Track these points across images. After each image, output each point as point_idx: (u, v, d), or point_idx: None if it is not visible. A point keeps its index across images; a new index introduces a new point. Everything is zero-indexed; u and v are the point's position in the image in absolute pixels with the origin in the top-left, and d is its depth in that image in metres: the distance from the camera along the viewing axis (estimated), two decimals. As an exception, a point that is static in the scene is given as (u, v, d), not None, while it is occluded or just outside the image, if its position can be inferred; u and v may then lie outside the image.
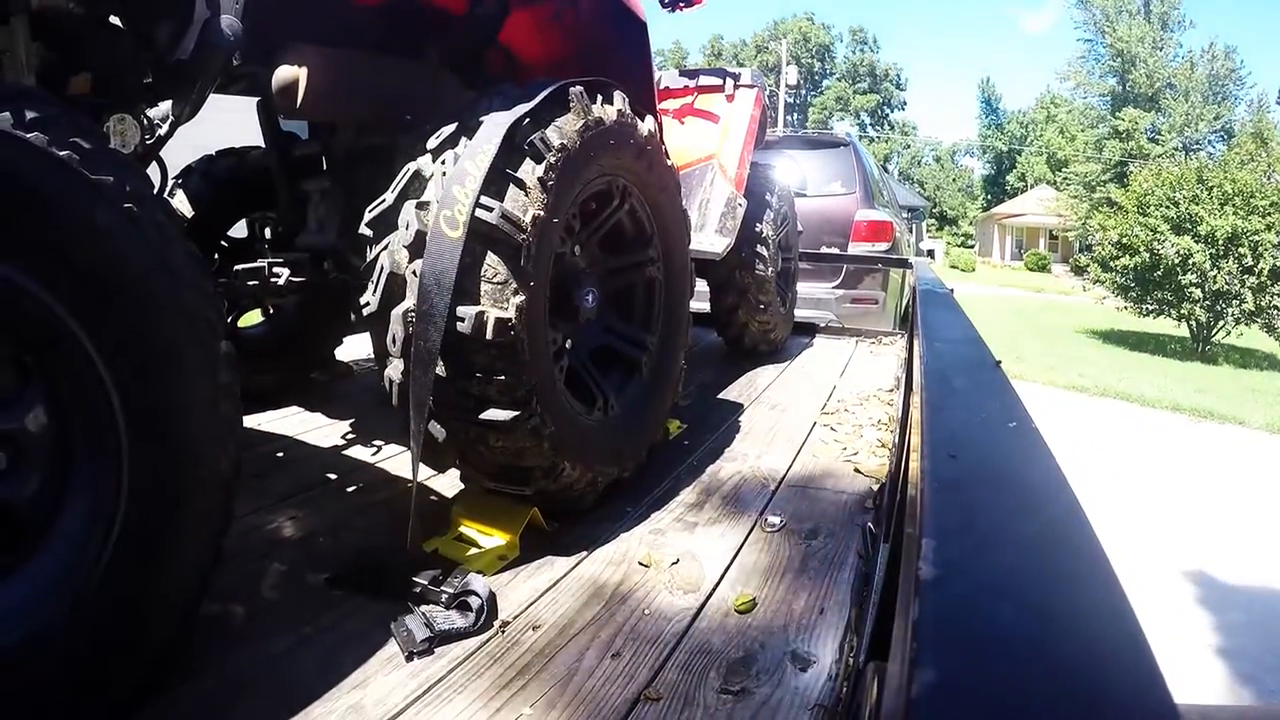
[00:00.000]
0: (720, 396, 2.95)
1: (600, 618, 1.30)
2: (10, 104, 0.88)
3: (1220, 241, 13.84)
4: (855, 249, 5.96)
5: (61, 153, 0.90)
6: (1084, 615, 0.35)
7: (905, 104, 66.00)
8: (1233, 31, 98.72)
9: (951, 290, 2.19)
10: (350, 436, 2.35)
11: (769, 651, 1.20)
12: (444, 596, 1.30)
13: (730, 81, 3.39)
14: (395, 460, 2.12)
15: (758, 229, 3.37)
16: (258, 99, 2.15)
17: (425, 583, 1.33)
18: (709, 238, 2.99)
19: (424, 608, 1.28)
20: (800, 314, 4.44)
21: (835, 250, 5.94)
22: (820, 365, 3.68)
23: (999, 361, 0.91)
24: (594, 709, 1.06)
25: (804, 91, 61.51)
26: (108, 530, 0.95)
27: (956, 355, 0.95)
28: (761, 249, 3.39)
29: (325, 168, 2.05)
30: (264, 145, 2.25)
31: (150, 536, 0.99)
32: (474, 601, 1.27)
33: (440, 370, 1.35)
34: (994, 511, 0.46)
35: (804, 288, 4.91)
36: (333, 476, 2.00)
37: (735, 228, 3.09)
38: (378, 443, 2.27)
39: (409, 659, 1.17)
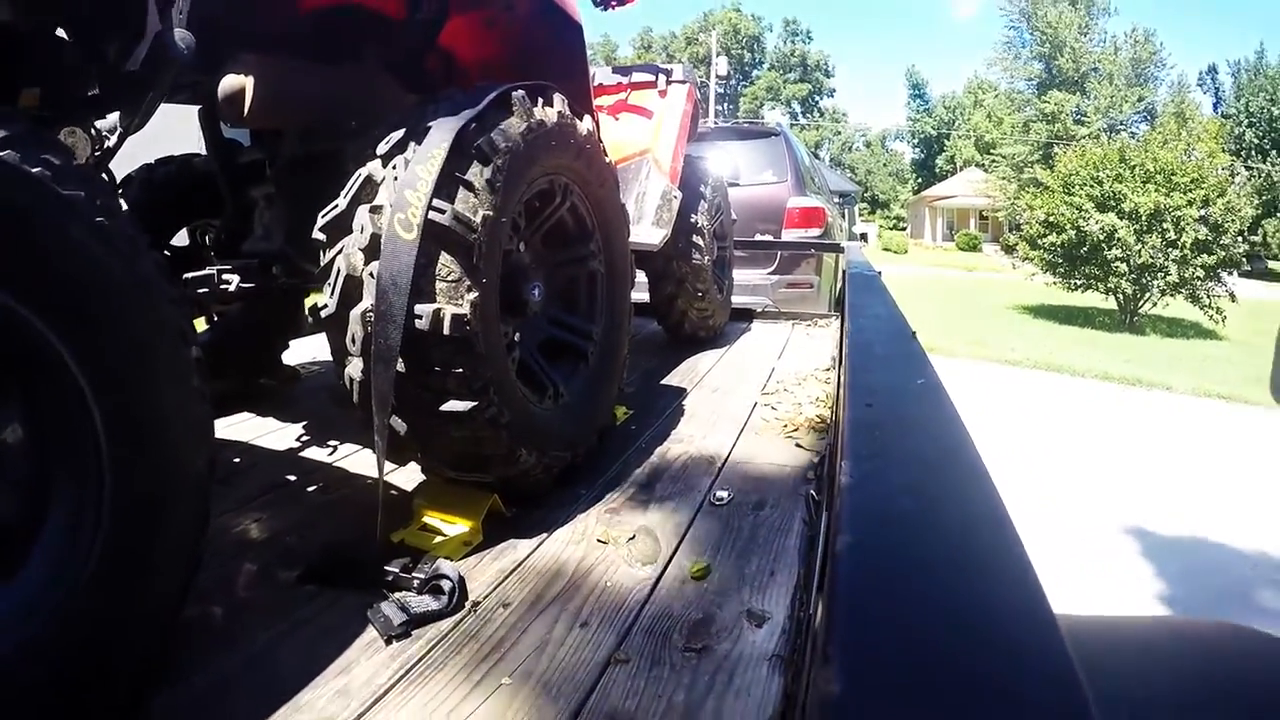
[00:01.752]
0: (663, 383, 3.05)
1: (566, 592, 1.38)
2: None
3: (1144, 217, 14.43)
4: (789, 235, 6.12)
5: (34, 169, 0.92)
6: (960, 501, 0.45)
7: (835, 92, 67.06)
8: (1152, 16, 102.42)
9: (879, 273, 2.32)
10: (305, 439, 2.38)
11: (726, 612, 1.30)
12: (415, 582, 1.35)
13: (663, 78, 3.48)
14: (352, 459, 2.16)
15: (693, 219, 3.47)
16: (199, 107, 2.17)
17: (397, 570, 1.38)
18: (646, 230, 3.07)
19: (397, 594, 1.34)
20: (737, 300, 4.55)
21: (769, 237, 6.08)
22: (758, 349, 3.80)
23: (914, 332, 1.01)
24: (568, 674, 1.14)
25: (734, 82, 62.03)
26: (92, 538, 0.98)
27: (879, 329, 1.05)
28: (697, 239, 3.49)
29: (270, 174, 2.08)
30: (205, 152, 2.27)
31: (133, 542, 1.02)
32: (445, 584, 1.33)
33: (400, 367, 1.41)
34: (899, 440, 0.55)
35: (740, 275, 5.03)
36: (292, 478, 2.03)
37: (671, 219, 3.18)
38: (333, 443, 2.31)
39: (388, 642, 1.22)
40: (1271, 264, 38.56)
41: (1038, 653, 0.38)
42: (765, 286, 6.04)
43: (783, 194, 6.22)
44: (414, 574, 1.37)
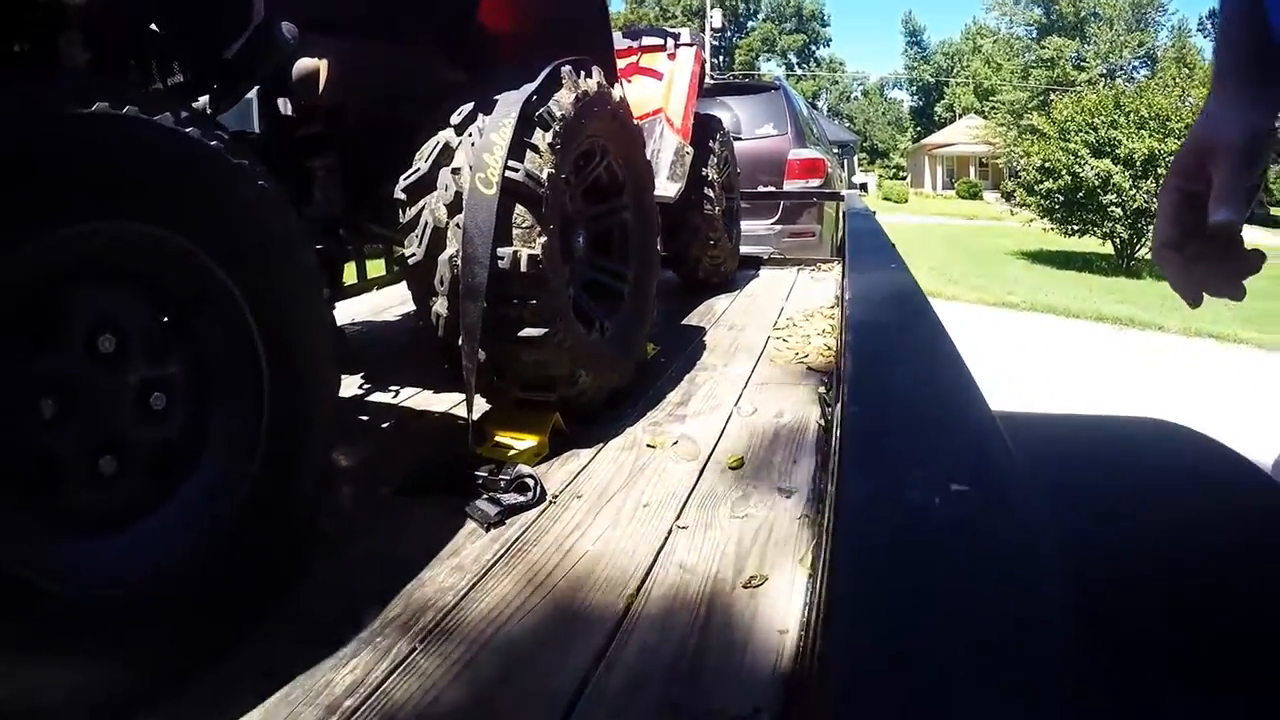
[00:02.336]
0: (684, 323, 3.33)
1: (628, 483, 1.67)
2: (169, 106, 1.07)
3: (1138, 163, 14.52)
4: (790, 186, 6.32)
5: (212, 143, 1.11)
6: (928, 355, 0.71)
7: (831, 41, 66.24)
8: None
9: (874, 212, 2.61)
10: (366, 387, 2.63)
11: (760, 489, 1.59)
12: (502, 483, 1.62)
13: (671, 41, 3.71)
14: (414, 399, 2.42)
15: (704, 173, 3.72)
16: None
17: (485, 475, 1.65)
18: (662, 184, 3.31)
19: (488, 493, 1.60)
20: (744, 249, 4.79)
21: (772, 188, 6.29)
22: (768, 291, 4.08)
23: (894, 244, 1.27)
24: (640, 539, 1.43)
25: (729, 34, 61.34)
26: (254, 447, 1.18)
27: (869, 246, 1.31)
28: (708, 191, 3.74)
29: (331, 146, 2.29)
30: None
31: (287, 452, 1.22)
32: (530, 482, 1.60)
33: (484, 301, 1.68)
34: (883, 313, 0.81)
35: (745, 225, 5.22)
36: (364, 418, 2.30)
37: (685, 174, 3.43)
38: (393, 388, 2.57)
39: (487, 529, 1.48)
40: (1274, 210, 38.36)
41: (980, 444, 0.61)
42: (770, 236, 6.26)
43: (784, 146, 6.41)
44: (499, 477, 1.65)
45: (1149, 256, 13.25)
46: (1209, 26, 45.73)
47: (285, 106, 2.33)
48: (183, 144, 1.08)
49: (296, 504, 1.27)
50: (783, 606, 1.19)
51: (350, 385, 2.63)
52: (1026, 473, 0.52)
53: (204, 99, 1.84)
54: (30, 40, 1.25)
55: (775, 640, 1.10)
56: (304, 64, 1.87)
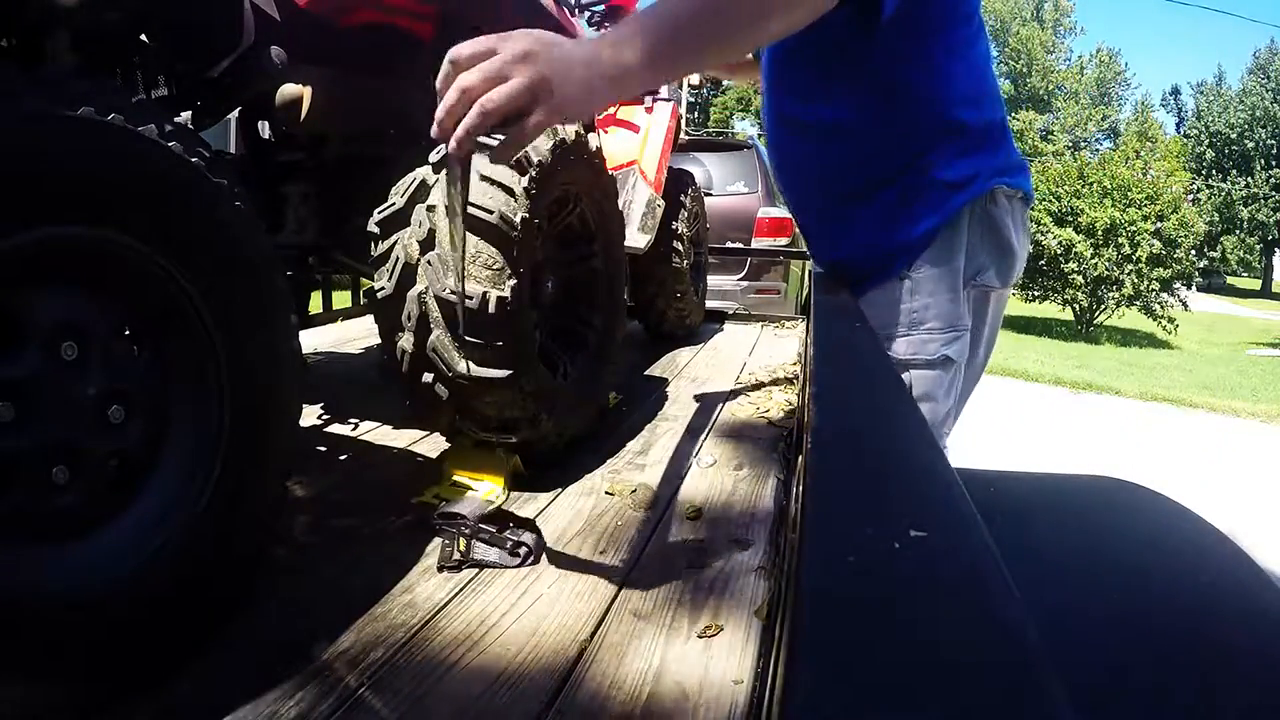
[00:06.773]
0: (647, 373, 3.34)
1: (585, 529, 1.66)
2: (153, 117, 1.06)
3: (1100, 232, 14.96)
4: (758, 244, 6.43)
5: (193, 159, 1.10)
6: (883, 409, 0.73)
7: (801, 103, 67.54)
8: (1117, 36, 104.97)
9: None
10: (325, 418, 2.60)
11: (717, 539, 1.60)
12: (509, 543, 1.51)
13: (649, 96, 3.78)
14: (375, 433, 2.40)
15: (674, 226, 3.77)
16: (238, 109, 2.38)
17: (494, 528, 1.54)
18: (632, 235, 3.35)
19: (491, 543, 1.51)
20: (709, 304, 4.85)
21: (740, 245, 6.39)
22: (731, 346, 4.11)
23: (859, 305, 1.30)
24: (595, 585, 1.42)
25: (706, 90, 62.36)
26: (211, 464, 1.16)
27: (834, 306, 1.34)
28: (677, 244, 3.78)
29: (309, 174, 2.30)
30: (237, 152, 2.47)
31: (242, 476, 1.20)
32: (521, 550, 1.50)
33: (449, 339, 1.68)
34: (846, 370, 0.84)
35: (711, 280, 5.30)
36: (322, 449, 2.27)
37: (655, 226, 3.48)
38: (353, 421, 2.55)
39: (440, 570, 1.45)
40: (1231, 280, 39.46)
41: (940, 494, 0.63)
42: (735, 292, 6.35)
43: (753, 204, 6.53)
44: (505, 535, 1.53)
45: (1108, 322, 13.69)
46: (1171, 103, 47.53)
47: (264, 130, 2.35)
48: (163, 156, 1.06)
49: (249, 529, 1.24)
50: (738, 657, 1.19)
51: (310, 415, 2.61)
52: (986, 523, 0.52)
53: (185, 115, 1.85)
54: (17, 38, 1.24)
55: (730, 690, 1.10)
56: (288, 90, 1.88)
